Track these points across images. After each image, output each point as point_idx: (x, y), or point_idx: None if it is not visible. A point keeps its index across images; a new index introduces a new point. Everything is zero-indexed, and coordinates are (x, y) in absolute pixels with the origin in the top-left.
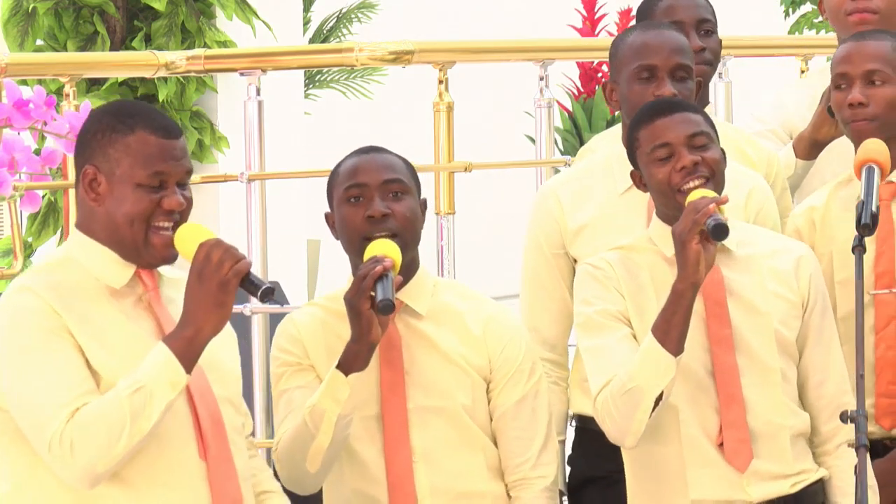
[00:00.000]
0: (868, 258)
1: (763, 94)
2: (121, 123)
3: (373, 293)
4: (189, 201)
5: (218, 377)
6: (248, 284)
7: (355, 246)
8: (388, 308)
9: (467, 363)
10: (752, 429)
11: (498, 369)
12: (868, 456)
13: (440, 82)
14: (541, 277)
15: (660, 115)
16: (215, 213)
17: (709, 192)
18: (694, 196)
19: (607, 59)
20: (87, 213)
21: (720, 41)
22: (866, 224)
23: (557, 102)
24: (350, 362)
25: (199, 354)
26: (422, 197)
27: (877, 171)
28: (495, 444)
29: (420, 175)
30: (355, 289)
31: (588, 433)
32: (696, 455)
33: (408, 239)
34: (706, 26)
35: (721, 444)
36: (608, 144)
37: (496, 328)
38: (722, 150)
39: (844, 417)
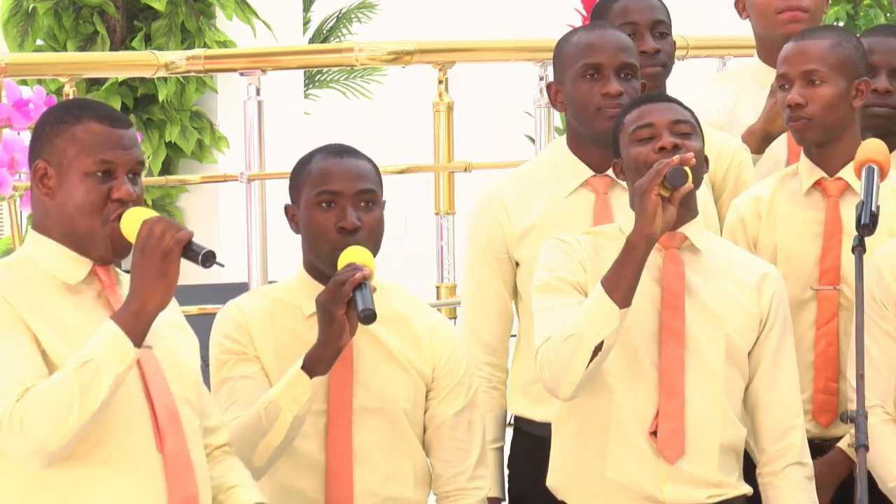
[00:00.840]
0: (813, 254)
1: (686, 98)
2: (68, 115)
3: (350, 300)
4: (139, 196)
5: (177, 376)
6: (190, 252)
7: (323, 253)
8: (371, 318)
9: (412, 367)
10: (686, 430)
11: (441, 379)
12: (860, 454)
13: (440, 82)
14: (482, 279)
15: (648, 102)
16: (215, 213)
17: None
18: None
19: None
20: (41, 210)
21: (674, 43)
22: (866, 224)
23: None
24: (314, 365)
25: (147, 327)
26: (383, 199)
27: (877, 171)
28: (425, 451)
29: (420, 175)
30: (331, 293)
31: (529, 437)
32: (623, 439)
33: (373, 249)
34: (661, 28)
35: (653, 433)
36: (553, 147)
37: (442, 337)
38: (706, 157)
39: (845, 417)
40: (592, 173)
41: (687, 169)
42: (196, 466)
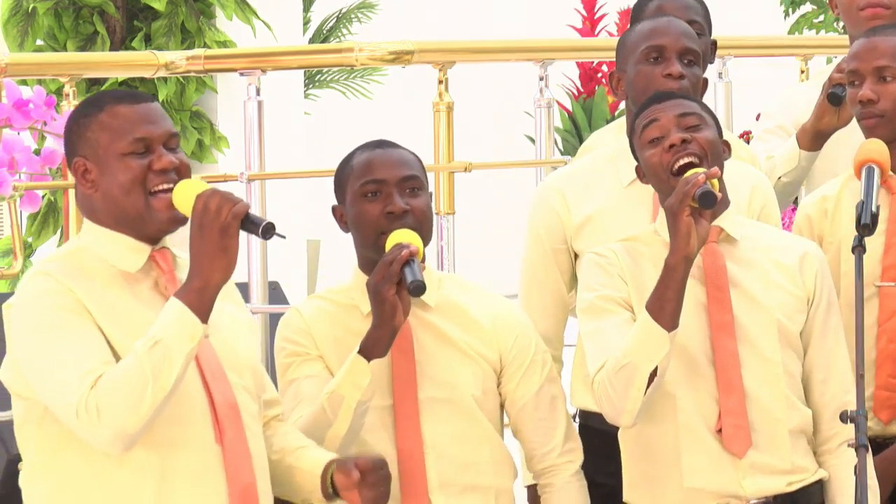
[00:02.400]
0: (876, 250)
1: (774, 93)
2: (90, 107)
3: (400, 278)
4: (184, 163)
5: (233, 364)
6: (249, 224)
7: (371, 240)
8: (421, 289)
9: (477, 354)
10: (750, 420)
11: (511, 362)
12: (870, 454)
13: (440, 82)
14: (538, 271)
15: (654, 103)
16: None
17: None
18: (688, 174)
19: (607, 59)
20: (89, 204)
21: (713, 42)
22: (866, 224)
23: (557, 102)
24: (371, 348)
25: (211, 304)
26: (429, 189)
27: (877, 170)
28: (514, 435)
29: None
30: (381, 274)
31: (590, 431)
32: (693, 442)
33: (425, 234)
34: (695, 28)
35: (720, 431)
36: (612, 138)
37: (506, 321)
38: (726, 143)
39: (844, 417)
40: None
41: (715, 182)
42: (254, 455)
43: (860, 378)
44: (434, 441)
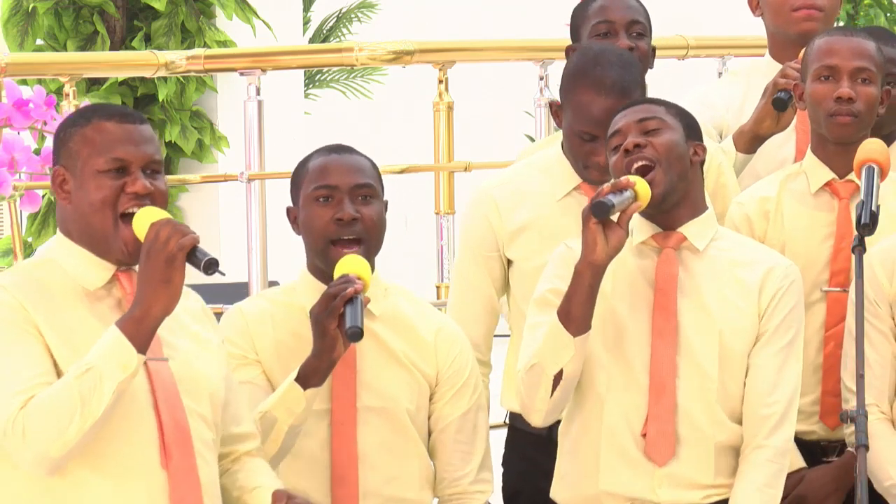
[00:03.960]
0: (823, 256)
1: (685, 95)
2: (80, 118)
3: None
4: (160, 190)
5: (191, 389)
6: (193, 258)
7: (319, 246)
8: (357, 336)
9: (415, 367)
10: (678, 432)
11: (446, 380)
12: (867, 459)
13: (440, 82)
14: (469, 277)
15: (622, 110)
16: (215, 213)
17: (638, 179)
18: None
19: None
20: (63, 214)
21: (653, 48)
22: (866, 224)
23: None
24: (308, 377)
25: (150, 334)
26: (384, 199)
27: (877, 170)
28: (429, 453)
29: (420, 175)
30: (323, 306)
31: (523, 435)
32: (613, 445)
33: (373, 244)
34: (637, 28)
35: (645, 436)
36: (547, 146)
37: (448, 339)
38: (700, 146)
39: (844, 417)
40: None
41: (645, 187)
42: (204, 482)
43: (860, 378)
44: (365, 451)
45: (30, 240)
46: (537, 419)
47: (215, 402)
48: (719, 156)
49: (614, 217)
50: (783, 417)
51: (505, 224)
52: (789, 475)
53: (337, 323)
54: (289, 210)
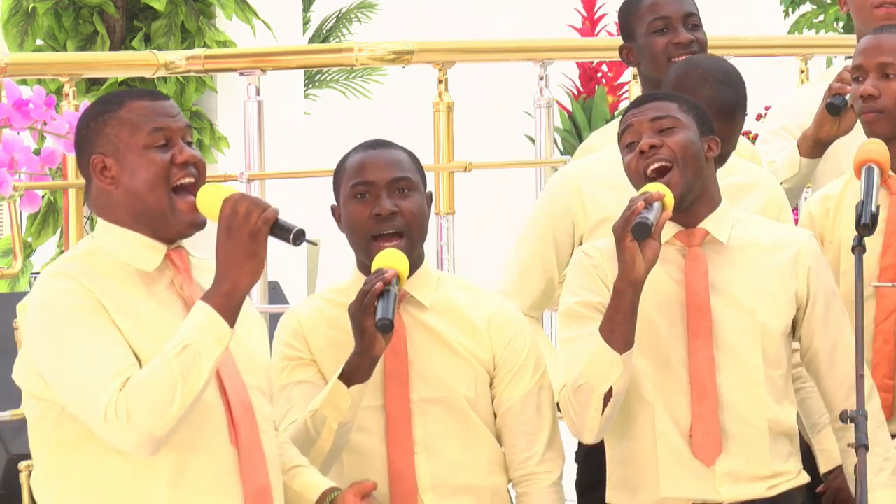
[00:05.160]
0: (875, 250)
1: (778, 94)
2: (108, 105)
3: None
4: (200, 159)
5: (248, 365)
6: (279, 230)
7: (361, 243)
8: (387, 328)
9: (471, 355)
10: (726, 427)
11: (503, 364)
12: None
13: (440, 82)
14: (534, 255)
15: (633, 107)
16: None
17: (661, 187)
18: (647, 188)
19: (607, 59)
20: (106, 201)
21: (706, 36)
22: (866, 224)
23: (557, 102)
24: (352, 374)
25: (239, 308)
26: (427, 191)
27: (877, 170)
28: (497, 438)
29: None
30: (359, 304)
31: None
32: (669, 451)
33: (415, 236)
34: (692, 20)
35: (692, 437)
36: (614, 137)
37: (500, 322)
38: (713, 140)
39: (844, 417)
40: None
41: (669, 197)
42: (268, 458)
43: (860, 378)
44: (426, 442)
45: (29, 240)
46: (590, 437)
47: (269, 376)
48: (783, 200)
49: None
50: (867, 386)
51: (588, 213)
52: (832, 469)
53: (373, 320)
54: (333, 209)
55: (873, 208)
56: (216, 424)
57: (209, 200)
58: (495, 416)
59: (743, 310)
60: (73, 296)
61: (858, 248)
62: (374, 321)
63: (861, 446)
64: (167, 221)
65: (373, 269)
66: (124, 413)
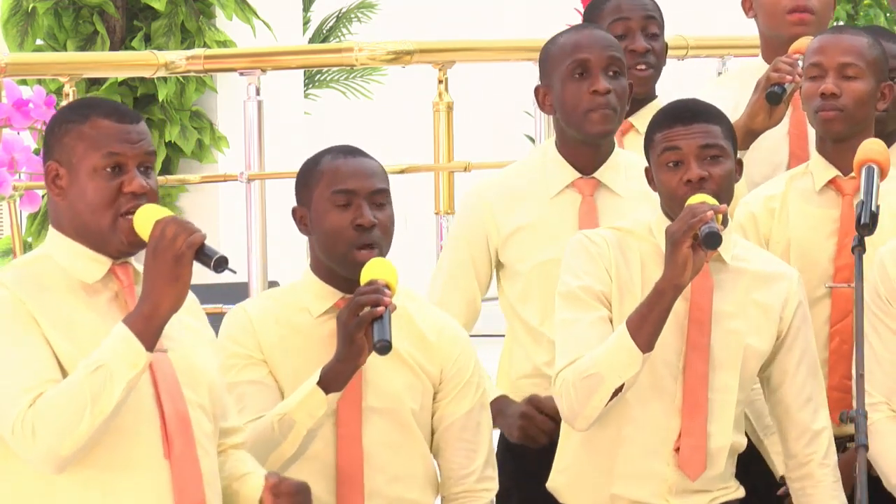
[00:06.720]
0: (828, 252)
1: (685, 95)
2: (75, 114)
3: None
4: (153, 189)
5: (190, 380)
6: (202, 256)
7: (340, 251)
8: (386, 349)
9: (420, 368)
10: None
11: (449, 379)
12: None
13: (440, 82)
14: (455, 273)
15: (678, 123)
16: (215, 213)
17: (709, 199)
18: (695, 199)
19: None
20: (56, 210)
21: (666, 46)
22: (866, 224)
23: None
24: (331, 381)
25: (158, 332)
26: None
27: (877, 170)
28: (433, 453)
29: (420, 175)
30: (352, 314)
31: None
32: (634, 453)
33: (385, 249)
34: (652, 28)
35: (677, 450)
36: (541, 148)
37: (450, 337)
38: (739, 162)
39: (844, 417)
40: (579, 175)
41: (721, 230)
42: (205, 473)
43: (860, 378)
44: (370, 451)
45: (30, 240)
46: (583, 424)
47: (213, 393)
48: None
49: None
50: (828, 430)
51: (500, 227)
52: None
53: (363, 332)
54: (295, 210)
55: (873, 208)
56: (150, 437)
57: (145, 221)
58: (433, 432)
59: (729, 330)
60: (3, 305)
61: (858, 248)
62: (373, 342)
63: (861, 446)
64: (106, 241)
65: (363, 278)
66: (30, 429)
